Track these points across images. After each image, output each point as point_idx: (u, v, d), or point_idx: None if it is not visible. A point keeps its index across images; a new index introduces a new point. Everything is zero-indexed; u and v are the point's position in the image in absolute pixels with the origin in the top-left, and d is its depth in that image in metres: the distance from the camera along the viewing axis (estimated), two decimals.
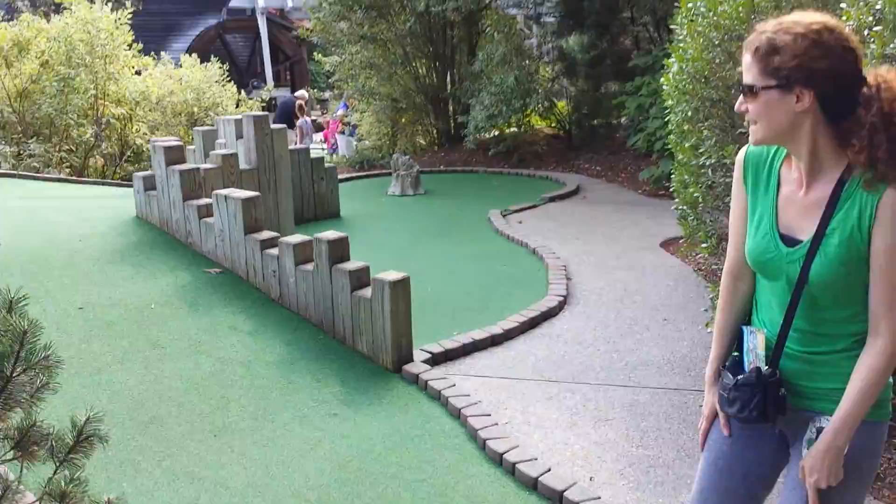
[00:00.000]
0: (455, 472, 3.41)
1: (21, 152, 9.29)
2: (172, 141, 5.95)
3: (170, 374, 4.13)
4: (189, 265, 5.40)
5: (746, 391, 1.86)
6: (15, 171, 8.65)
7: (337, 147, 16.24)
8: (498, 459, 3.48)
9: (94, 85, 10.30)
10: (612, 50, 12.50)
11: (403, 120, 14.15)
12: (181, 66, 12.62)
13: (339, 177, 11.92)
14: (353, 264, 4.54)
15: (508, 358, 4.62)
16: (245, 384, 4.09)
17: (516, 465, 3.37)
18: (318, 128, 22.56)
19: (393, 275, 4.33)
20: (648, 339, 4.81)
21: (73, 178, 9.20)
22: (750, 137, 1.83)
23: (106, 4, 11.30)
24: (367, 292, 4.41)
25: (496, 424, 3.74)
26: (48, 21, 10.73)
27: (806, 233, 1.78)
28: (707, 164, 3.87)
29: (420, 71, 13.54)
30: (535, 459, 3.44)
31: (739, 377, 1.88)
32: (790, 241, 1.81)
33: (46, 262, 5.17)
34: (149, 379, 4.05)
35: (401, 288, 4.30)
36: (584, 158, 11.92)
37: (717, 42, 3.74)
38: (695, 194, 4.23)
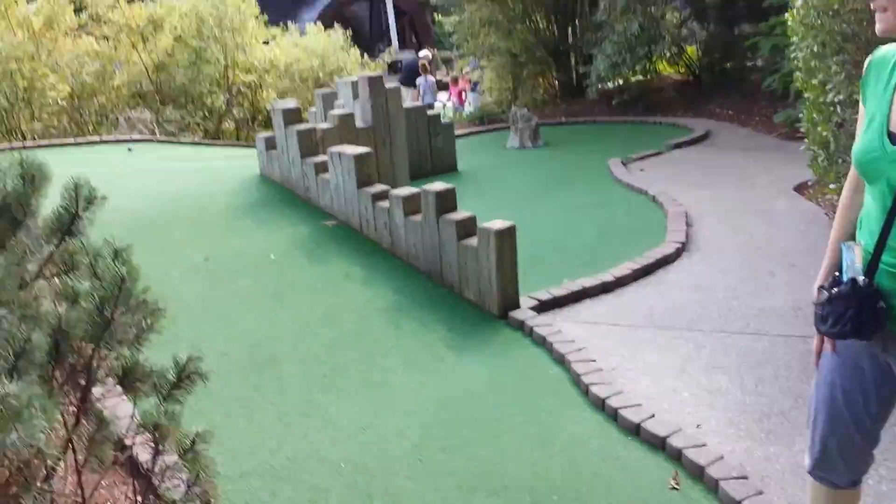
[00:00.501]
0: (557, 416, 3.39)
1: (160, 119, 9.96)
2: (291, 103, 6.16)
3: (286, 319, 4.33)
4: (307, 219, 5.60)
5: (840, 304, 1.72)
6: (153, 137, 9.27)
7: (469, 103, 16.18)
8: (600, 404, 3.42)
9: (224, 56, 10.82)
10: None
11: (524, 74, 13.95)
12: (306, 35, 12.99)
13: (460, 132, 11.99)
14: (459, 214, 4.55)
15: (619, 305, 4.51)
16: (356, 329, 4.22)
17: (619, 411, 3.31)
18: (444, 86, 22.71)
19: (499, 224, 4.31)
20: (772, 286, 4.55)
21: (206, 141, 9.77)
22: (876, 26, 1.69)
23: None
24: (473, 241, 4.42)
25: (601, 370, 3.67)
26: None
27: None
28: (836, 101, 3.58)
29: (540, 24, 13.27)
30: (640, 405, 3.35)
31: (833, 290, 1.75)
32: None
33: (177, 218, 5.53)
34: (267, 324, 4.26)
35: (506, 236, 4.28)
36: (716, 103, 11.34)
37: None
38: (824, 133, 3.94)
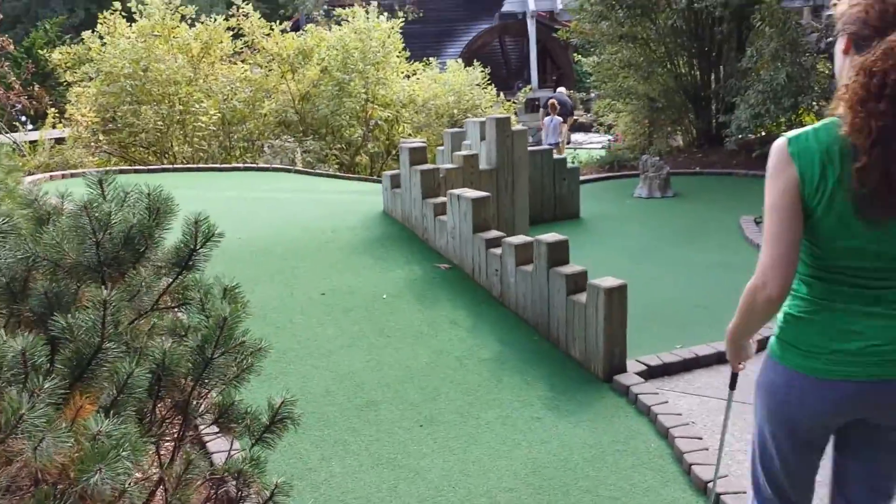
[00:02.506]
0: (653, 495, 3.24)
1: (301, 148, 10.44)
2: (418, 142, 6.29)
3: (390, 361, 4.38)
4: (422, 260, 5.67)
5: None
6: (291, 167, 9.73)
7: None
8: (703, 487, 3.24)
9: (365, 89, 11.24)
10: None
11: (661, 119, 13.65)
12: (446, 71, 13.29)
13: (588, 177, 11.85)
14: (570, 268, 4.47)
15: (738, 378, 4.26)
16: (457, 378, 4.22)
17: (721, 497, 3.11)
18: (582, 127, 22.57)
19: (609, 281, 4.20)
20: None
21: (341, 173, 10.14)
22: None
23: (381, 15, 12.25)
24: (582, 297, 4.32)
25: (706, 449, 3.47)
26: (329, 30, 11.93)
27: None
28: None
29: (681, 69, 12.96)
30: (746, 493, 3.14)
31: None
32: None
33: (300, 251, 5.74)
34: (371, 365, 4.33)
35: (616, 295, 4.16)
36: None
37: None
38: None
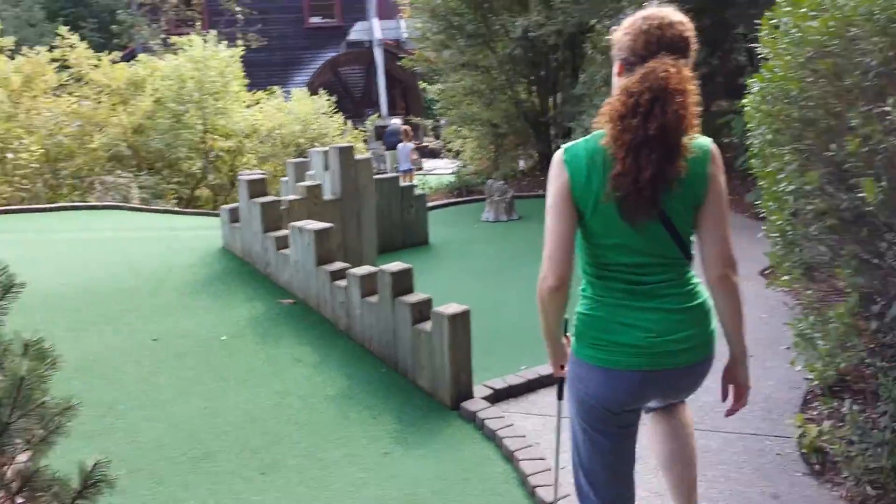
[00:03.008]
0: None
1: (136, 184, 9.87)
2: (257, 174, 6.10)
3: (229, 407, 4.15)
4: (265, 296, 5.47)
5: None
6: (124, 203, 9.18)
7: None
8: None
9: (203, 120, 10.84)
10: (724, 66, 11.92)
11: (505, 144, 14.07)
12: (290, 100, 13.08)
13: (436, 203, 11.99)
14: (415, 296, 4.44)
15: None
16: (300, 419, 4.06)
17: None
18: (434, 153, 22.88)
19: (453, 308, 4.20)
20: None
21: (179, 209, 9.68)
22: None
23: (220, 43, 11.89)
24: (427, 325, 4.30)
25: (549, 469, 3.50)
26: (165, 60, 11.43)
27: None
28: (787, 190, 3.53)
29: (521, 95, 13.43)
30: None
31: None
32: None
33: (132, 294, 5.38)
34: (207, 412, 4.08)
35: (460, 321, 4.16)
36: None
37: (803, 60, 3.41)
38: (778, 222, 3.88)
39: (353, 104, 27.00)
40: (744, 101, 4.07)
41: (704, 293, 2.14)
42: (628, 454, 2.29)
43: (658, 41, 1.95)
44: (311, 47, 27.03)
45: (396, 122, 21.43)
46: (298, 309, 5.29)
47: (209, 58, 10.79)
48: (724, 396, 2.28)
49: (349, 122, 13.77)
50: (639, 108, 1.89)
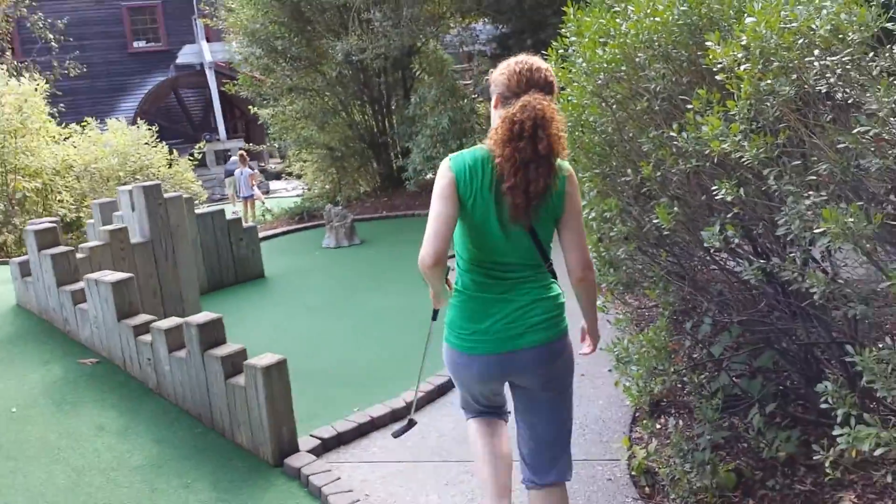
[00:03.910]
0: None
1: None
2: (45, 223, 5.52)
3: (17, 492, 3.64)
4: (63, 356, 4.93)
5: None
6: None
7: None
8: None
9: (2, 161, 9.86)
10: None
11: (346, 166, 13.81)
12: (107, 131, 12.20)
13: (276, 231, 11.56)
14: (227, 348, 4.09)
15: (409, 436, 4.15)
16: (101, 498, 3.61)
17: None
18: (279, 176, 22.25)
19: (267, 358, 3.89)
20: None
21: None
22: None
23: (17, 77, 10.89)
24: (241, 379, 3.97)
25: None
26: None
27: None
28: (591, 216, 3.51)
29: (356, 117, 13.24)
30: None
31: None
32: None
33: None
34: None
35: (276, 372, 3.87)
36: None
37: (591, 89, 3.39)
38: (589, 246, 3.87)
39: (193, 129, 25.87)
40: None
41: (557, 289, 2.50)
42: (497, 401, 2.70)
43: (528, 81, 2.36)
44: (138, 72, 25.70)
45: (238, 146, 20.78)
46: (102, 369, 4.79)
47: (2, 94, 9.80)
48: (582, 339, 2.71)
49: (175, 151, 12.98)
50: (524, 132, 2.27)
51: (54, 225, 5.46)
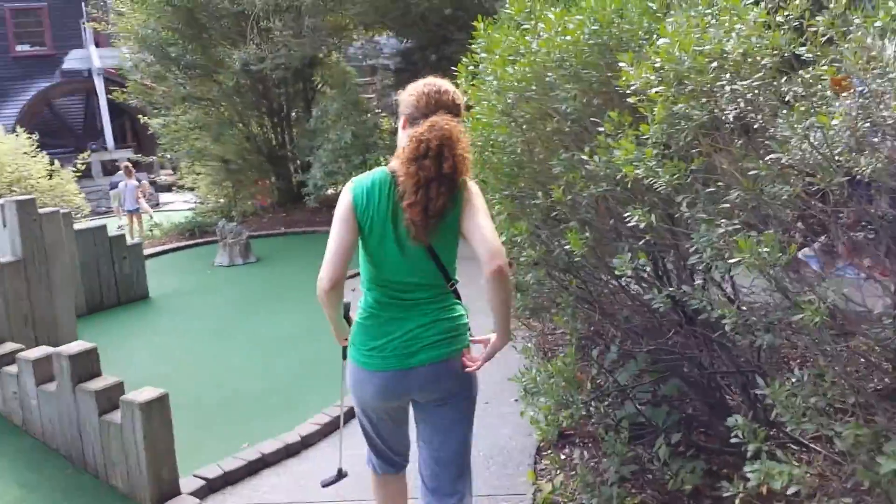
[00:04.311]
0: None
1: None
2: None
3: None
4: None
5: None
6: None
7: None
8: None
9: None
10: None
11: (242, 180, 13.30)
12: None
13: (164, 248, 10.97)
14: (101, 381, 3.71)
15: (303, 474, 3.90)
16: None
17: None
18: (170, 188, 21.28)
19: (146, 393, 3.54)
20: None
21: None
22: None
23: None
24: (117, 416, 3.60)
25: None
26: None
27: None
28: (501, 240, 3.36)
29: (254, 129, 12.78)
30: None
31: None
32: None
33: None
34: None
35: (157, 409, 3.52)
36: None
37: (500, 108, 3.25)
38: None
39: (76, 138, 24.51)
40: None
41: (459, 310, 2.51)
42: (401, 428, 2.67)
43: (436, 102, 2.40)
44: (21, 77, 24.21)
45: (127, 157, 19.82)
46: None
47: None
48: (482, 342, 2.57)
49: (56, 161, 12.15)
50: (430, 151, 2.29)
51: None
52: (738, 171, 2.40)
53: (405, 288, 2.43)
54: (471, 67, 3.42)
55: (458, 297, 2.53)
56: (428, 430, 2.58)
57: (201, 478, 3.77)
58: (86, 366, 3.75)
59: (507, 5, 3.56)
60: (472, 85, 3.35)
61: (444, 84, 2.49)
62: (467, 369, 2.48)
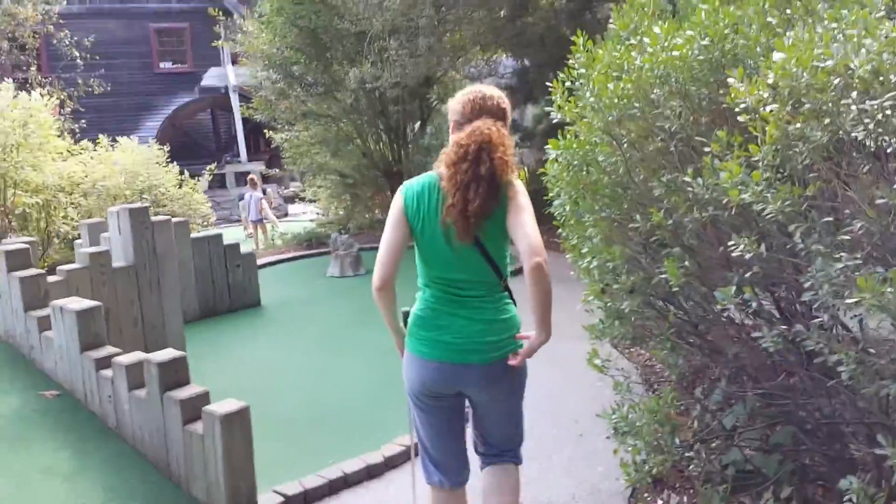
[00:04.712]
0: None
1: None
2: (19, 243, 5.23)
3: None
4: (24, 387, 4.59)
5: None
6: None
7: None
8: None
9: (1, 175, 9.63)
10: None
11: (359, 194, 13.52)
12: (117, 149, 12.02)
13: (280, 257, 11.26)
14: (186, 391, 3.73)
15: (384, 497, 3.77)
16: None
17: None
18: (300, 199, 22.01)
19: (228, 405, 3.52)
20: (557, 465, 3.97)
21: None
22: None
23: (26, 91, 10.74)
24: (199, 426, 3.60)
25: None
26: None
27: None
28: (590, 267, 3.13)
29: (370, 145, 12.96)
30: None
31: None
32: None
33: None
34: None
35: (237, 422, 3.49)
36: (542, 230, 11.22)
37: (600, 126, 3.03)
38: (591, 297, 3.49)
39: (209, 152, 25.88)
40: (545, 167, 3.66)
41: (511, 311, 2.62)
42: (452, 429, 2.74)
43: (481, 108, 2.53)
44: (163, 92, 25.91)
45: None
46: (63, 403, 4.45)
47: (4, 108, 9.58)
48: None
49: (185, 172, 12.76)
50: (468, 155, 2.42)
51: (27, 246, 5.17)
52: (864, 200, 2.08)
53: (457, 284, 2.54)
54: (567, 83, 3.22)
55: (511, 294, 2.63)
56: (480, 419, 2.75)
57: (280, 494, 3.70)
58: (174, 373, 3.78)
59: (612, 21, 3.35)
60: (568, 101, 3.14)
61: (490, 90, 2.61)
62: (510, 362, 2.55)
